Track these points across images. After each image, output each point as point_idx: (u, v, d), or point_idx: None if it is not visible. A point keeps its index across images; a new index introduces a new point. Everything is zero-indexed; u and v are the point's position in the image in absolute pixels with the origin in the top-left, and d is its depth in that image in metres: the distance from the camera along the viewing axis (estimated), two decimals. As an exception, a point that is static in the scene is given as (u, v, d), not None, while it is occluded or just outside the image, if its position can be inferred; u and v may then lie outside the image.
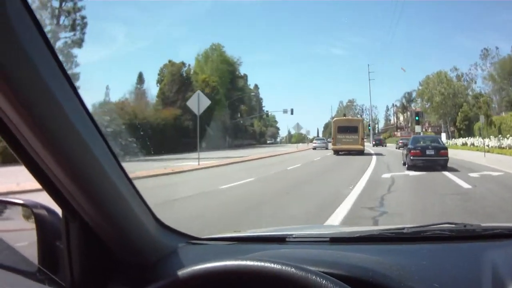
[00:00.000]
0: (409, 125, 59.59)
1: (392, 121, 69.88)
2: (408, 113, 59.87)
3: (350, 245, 1.03)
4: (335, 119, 24.73)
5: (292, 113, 48.90)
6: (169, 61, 39.88)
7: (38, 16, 0.62)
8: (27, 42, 0.59)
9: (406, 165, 12.53)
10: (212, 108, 40.51)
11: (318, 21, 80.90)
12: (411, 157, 12.20)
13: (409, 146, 12.78)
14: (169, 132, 30.22)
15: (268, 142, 61.36)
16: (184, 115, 32.63)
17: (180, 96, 36.17)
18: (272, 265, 0.67)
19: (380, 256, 0.88)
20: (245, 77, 59.48)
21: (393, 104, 68.08)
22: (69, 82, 0.69)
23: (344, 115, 44.77)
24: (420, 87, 43.70)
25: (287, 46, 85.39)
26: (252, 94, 54.83)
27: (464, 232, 1.08)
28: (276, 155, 22.43)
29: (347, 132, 21.46)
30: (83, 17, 28.41)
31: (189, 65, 41.90)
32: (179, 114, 33.20)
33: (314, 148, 30.59)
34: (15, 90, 0.60)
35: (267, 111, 63.39)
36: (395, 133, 60.38)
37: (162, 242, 0.97)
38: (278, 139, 77.82)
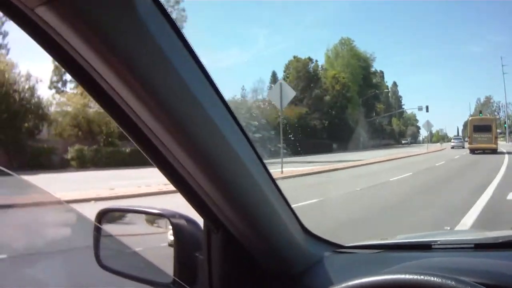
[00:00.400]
0: None
1: None
2: None
3: (495, 251, 1.04)
4: (471, 118, 25.92)
5: (427, 111, 43.85)
6: (294, 57, 40.81)
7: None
8: (165, 44, 0.60)
9: None
10: (343, 105, 40.84)
11: (454, 18, 76.93)
12: None
13: None
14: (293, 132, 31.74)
15: (403, 142, 59.65)
16: (313, 113, 33.46)
17: (307, 93, 37.07)
18: (432, 278, 0.67)
19: None
20: (380, 74, 58.32)
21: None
22: (212, 84, 0.69)
23: (480, 112, 44.30)
24: None
25: (426, 44, 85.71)
26: (386, 91, 53.33)
27: None
28: (398, 158, 22.06)
29: (481, 131, 22.51)
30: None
31: (316, 61, 42.35)
32: (307, 112, 33.74)
33: (452, 147, 32.25)
34: (154, 94, 0.61)
35: (403, 109, 58.91)
36: None
37: (308, 251, 0.99)
38: (420, 138, 76.84)
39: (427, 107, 41.22)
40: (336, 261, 1.04)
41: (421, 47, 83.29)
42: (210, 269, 0.88)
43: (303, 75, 38.66)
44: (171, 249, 0.92)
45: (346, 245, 1.12)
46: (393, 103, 62.30)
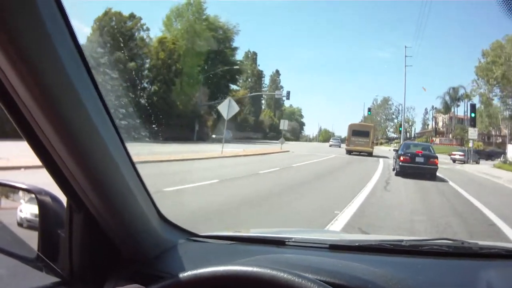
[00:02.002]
0: (452, 130, 63.34)
1: (430, 126, 75.39)
2: (450, 115, 64.21)
3: (349, 253, 1.39)
4: (350, 123, 35.70)
5: (288, 98, 50.95)
6: (108, 10, 37.43)
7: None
8: (50, 25, 0.84)
9: (395, 171, 17.10)
10: (168, 80, 38.25)
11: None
12: (400, 163, 16.43)
13: (399, 151, 17.37)
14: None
15: (269, 137, 63.78)
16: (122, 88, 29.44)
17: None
18: (275, 272, 0.92)
19: (379, 268, 1.18)
20: (252, 55, 64.57)
21: (432, 107, 75.37)
22: (89, 73, 0.96)
23: (369, 110, 61.89)
24: (482, 61, 43.71)
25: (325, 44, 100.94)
26: (238, 67, 54.95)
27: (461, 249, 1.47)
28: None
29: (359, 136, 32.69)
30: None
31: (140, 18, 39.78)
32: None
33: (330, 146, 48.36)
34: (30, 70, 0.84)
35: (262, 93, 64.49)
36: (433, 139, 63.68)
37: (163, 237, 1.31)
38: (310, 135, 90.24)
39: (288, 93, 46.45)
40: (189, 248, 1.36)
41: (320, 46, 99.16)
42: (71, 247, 1.17)
43: (113, 32, 36.65)
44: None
45: (201, 234, 1.49)
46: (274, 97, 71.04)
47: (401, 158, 16.52)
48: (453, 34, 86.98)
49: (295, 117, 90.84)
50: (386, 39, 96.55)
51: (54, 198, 1.25)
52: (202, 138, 39.57)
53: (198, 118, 41.59)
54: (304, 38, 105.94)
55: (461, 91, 61.56)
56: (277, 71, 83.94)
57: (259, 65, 73.53)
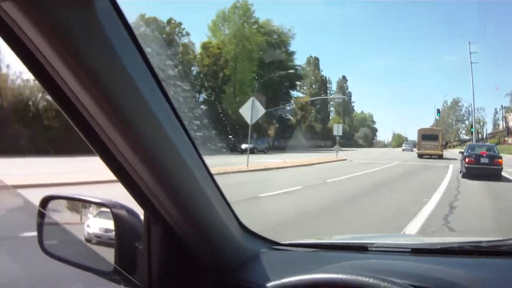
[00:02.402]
0: None
1: (500, 126, 72.03)
2: None
3: (430, 257, 1.44)
4: (419, 128, 39.08)
5: (350, 101, 50.04)
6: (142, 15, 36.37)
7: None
8: (114, 39, 0.87)
9: (461, 173, 17.93)
10: (215, 87, 38.63)
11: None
12: (466, 165, 17.45)
13: (464, 153, 18.55)
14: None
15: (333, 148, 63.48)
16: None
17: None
18: (363, 279, 1.01)
19: (460, 270, 1.24)
20: (314, 61, 64.24)
21: (501, 106, 72.23)
22: (158, 84, 1.00)
23: (438, 112, 62.16)
24: None
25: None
26: (295, 71, 54.97)
27: None
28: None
29: (429, 140, 35.70)
30: None
31: (179, 23, 40.61)
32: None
33: (403, 150, 51.88)
34: (99, 85, 0.88)
35: (327, 96, 64.40)
36: (505, 139, 61.19)
37: (244, 246, 1.38)
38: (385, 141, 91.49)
39: (348, 96, 46.32)
40: (272, 257, 1.42)
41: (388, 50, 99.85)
42: (149, 259, 1.23)
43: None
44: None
45: (283, 242, 1.55)
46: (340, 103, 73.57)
47: (466, 160, 17.70)
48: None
49: (367, 123, 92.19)
50: (453, 41, 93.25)
51: (130, 211, 1.34)
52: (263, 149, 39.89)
53: (255, 128, 41.49)
54: (371, 44, 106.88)
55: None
56: (344, 77, 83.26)
57: (322, 71, 73.35)
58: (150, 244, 1.24)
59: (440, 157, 33.96)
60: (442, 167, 23.54)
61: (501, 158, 17.91)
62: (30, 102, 27.10)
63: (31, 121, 26.32)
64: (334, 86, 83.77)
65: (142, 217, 1.27)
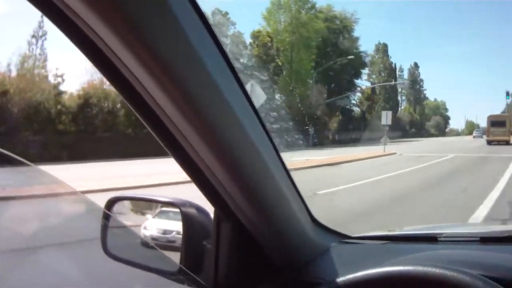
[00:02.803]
0: None
1: None
2: None
3: (500, 245, 1.47)
4: (488, 115, 41.15)
5: (412, 87, 48.00)
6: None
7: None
8: (195, 39, 0.87)
9: None
10: (271, 80, 37.27)
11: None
12: None
13: None
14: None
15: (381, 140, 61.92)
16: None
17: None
18: (435, 270, 1.05)
19: None
20: (383, 48, 61.74)
21: None
22: (234, 73, 1.01)
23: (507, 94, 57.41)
24: None
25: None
26: (356, 58, 52.94)
27: None
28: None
29: (497, 126, 37.65)
30: None
31: (226, 13, 40.35)
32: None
33: (474, 137, 53.85)
34: (181, 88, 0.89)
35: (389, 82, 62.69)
36: None
37: (316, 241, 1.41)
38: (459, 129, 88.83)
39: (412, 82, 45.20)
40: (342, 251, 1.46)
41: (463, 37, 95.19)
42: (217, 258, 1.27)
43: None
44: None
45: (353, 235, 1.59)
46: (410, 91, 72.03)
47: None
48: None
49: (440, 111, 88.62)
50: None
51: (200, 209, 1.39)
52: (322, 143, 39.28)
53: (313, 120, 40.34)
54: (445, 30, 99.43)
55: None
56: (416, 64, 79.75)
57: (390, 57, 71.47)
58: (219, 242, 1.28)
59: (508, 143, 35.53)
60: (505, 159, 20.44)
61: None
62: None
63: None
64: (406, 74, 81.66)
65: (212, 215, 1.31)
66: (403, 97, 79.23)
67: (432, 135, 73.72)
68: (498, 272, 1.14)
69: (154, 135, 1.03)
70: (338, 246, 1.51)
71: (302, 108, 38.52)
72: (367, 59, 55.94)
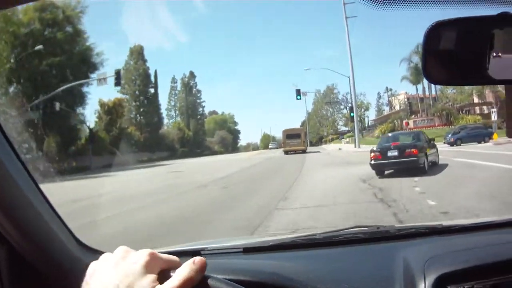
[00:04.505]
0: (431, 104, 57.20)
1: (385, 111, 74.42)
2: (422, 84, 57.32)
3: (263, 253, 1.71)
4: (283, 129, 47.97)
5: (118, 84, 38.27)
6: None
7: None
8: None
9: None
10: None
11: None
12: (371, 161, 16.50)
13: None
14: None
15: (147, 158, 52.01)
16: None
17: None
18: None
19: (290, 262, 1.52)
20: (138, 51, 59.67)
21: (386, 88, 73.69)
22: None
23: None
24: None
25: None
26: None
27: (377, 234, 1.85)
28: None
29: (292, 138, 45.01)
30: None
31: None
32: None
33: (270, 148, 64.11)
34: None
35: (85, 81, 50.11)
36: (407, 121, 55.69)
37: (82, 261, 1.46)
38: (246, 144, 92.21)
39: (117, 75, 37.05)
40: None
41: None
42: (1, 281, 1.31)
43: None
44: None
45: None
46: (185, 100, 72.37)
47: (372, 155, 16.54)
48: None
49: (228, 125, 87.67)
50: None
51: None
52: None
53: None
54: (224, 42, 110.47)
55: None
56: (192, 73, 78.16)
57: (147, 62, 62.42)
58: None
59: (304, 151, 42.32)
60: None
61: (415, 147, 16.01)
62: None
63: None
64: (179, 85, 76.92)
65: None
66: (176, 111, 72.43)
67: (215, 153, 69.92)
68: (260, 277, 1.34)
69: None
70: None
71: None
72: (103, 60, 43.81)
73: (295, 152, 41.59)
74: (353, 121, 45.92)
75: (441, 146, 27.24)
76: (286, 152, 43.02)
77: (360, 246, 1.69)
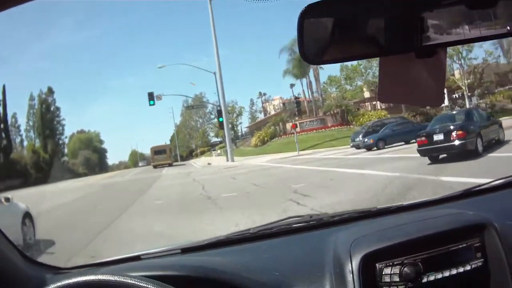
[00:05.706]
0: (322, 102, 52.96)
1: (260, 117, 73.45)
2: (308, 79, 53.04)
3: (200, 252, 1.89)
4: (151, 147, 56.11)
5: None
6: None
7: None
8: None
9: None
10: None
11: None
12: (418, 147, 15.49)
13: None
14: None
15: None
16: None
17: None
18: (100, 277, 1.26)
19: (224, 258, 1.70)
20: None
21: (260, 93, 75.46)
22: None
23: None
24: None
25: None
26: None
27: (310, 222, 2.01)
28: None
29: (160, 154, 54.36)
30: None
31: None
32: None
33: (140, 166, 72.31)
34: None
35: None
36: (295, 123, 44.23)
37: (31, 276, 1.63)
38: (119, 163, 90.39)
39: None
40: (56, 281, 1.45)
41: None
42: None
43: None
44: None
45: (67, 267, 1.91)
46: (41, 118, 66.66)
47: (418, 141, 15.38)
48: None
49: (94, 144, 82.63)
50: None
51: None
52: None
53: None
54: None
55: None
56: (50, 89, 71.91)
57: None
58: None
59: (170, 165, 50.49)
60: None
61: (461, 129, 14.21)
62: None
63: None
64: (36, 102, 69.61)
65: None
66: (32, 132, 66.76)
67: (79, 175, 63.72)
68: (197, 272, 1.50)
69: None
70: (53, 278, 1.73)
71: None
72: None
73: (162, 166, 49.50)
74: (223, 128, 38.30)
75: (351, 152, 25.48)
76: (155, 166, 50.66)
77: (293, 236, 1.87)
